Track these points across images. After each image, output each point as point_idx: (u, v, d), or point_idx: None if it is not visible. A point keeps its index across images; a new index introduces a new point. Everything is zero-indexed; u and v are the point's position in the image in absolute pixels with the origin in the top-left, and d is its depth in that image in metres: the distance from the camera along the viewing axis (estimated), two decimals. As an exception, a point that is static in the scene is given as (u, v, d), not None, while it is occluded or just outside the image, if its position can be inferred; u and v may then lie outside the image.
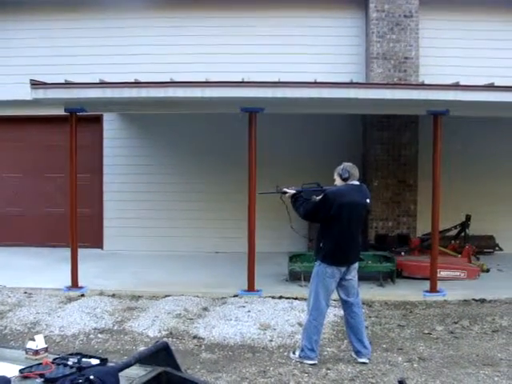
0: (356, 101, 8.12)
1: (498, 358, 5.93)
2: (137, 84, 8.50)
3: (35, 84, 8.09)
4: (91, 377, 2.22)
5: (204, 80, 8.84)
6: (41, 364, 2.58)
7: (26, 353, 2.76)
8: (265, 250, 9.90)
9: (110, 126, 11.72)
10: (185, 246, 11.32)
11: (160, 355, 2.69)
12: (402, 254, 9.90)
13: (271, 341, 6.44)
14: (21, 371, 2.50)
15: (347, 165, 5.78)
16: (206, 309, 7.56)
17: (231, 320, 7.02)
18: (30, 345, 2.77)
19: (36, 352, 2.74)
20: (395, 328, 6.92)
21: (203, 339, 6.52)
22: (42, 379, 2.44)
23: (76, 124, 8.51)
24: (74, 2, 11.50)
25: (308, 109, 8.71)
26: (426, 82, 9.65)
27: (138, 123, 11.68)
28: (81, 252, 8.74)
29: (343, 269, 5.68)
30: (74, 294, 8.28)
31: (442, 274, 8.85)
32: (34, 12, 11.56)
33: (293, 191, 5.93)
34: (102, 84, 8.53)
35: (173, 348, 2.86)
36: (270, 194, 6.23)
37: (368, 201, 5.79)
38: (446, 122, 8.41)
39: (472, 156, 11.26)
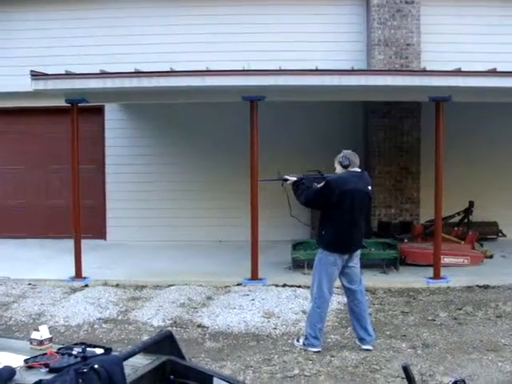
0: (357, 88, 8.11)
1: (501, 343, 5.94)
2: (137, 74, 8.49)
3: (36, 75, 8.06)
4: (96, 366, 2.23)
5: (204, 69, 8.82)
6: (45, 354, 2.60)
7: (31, 343, 2.77)
8: (268, 238, 9.90)
9: (112, 116, 11.69)
10: (188, 235, 11.32)
11: (164, 344, 2.70)
12: (405, 240, 9.89)
13: (275, 329, 6.46)
14: (25, 361, 2.51)
15: (347, 152, 5.77)
16: (209, 298, 7.58)
17: (235, 308, 7.04)
18: (35, 335, 2.78)
19: (40, 342, 2.75)
20: (399, 315, 6.93)
21: (207, 328, 6.53)
22: (47, 369, 2.45)
23: (77, 115, 8.49)
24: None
25: (309, 96, 8.69)
26: (428, 69, 9.61)
27: (139, 113, 11.65)
28: (84, 243, 8.77)
29: (345, 256, 5.67)
30: (77, 284, 8.30)
31: (446, 260, 8.84)
32: (35, 3, 11.50)
33: (294, 178, 5.92)
34: (103, 74, 8.52)
35: (177, 337, 2.87)
36: (272, 182, 6.24)
37: (370, 188, 5.78)
38: (448, 108, 8.38)
39: (475, 142, 11.21)
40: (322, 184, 5.68)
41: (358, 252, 5.83)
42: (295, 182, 5.90)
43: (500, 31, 10.95)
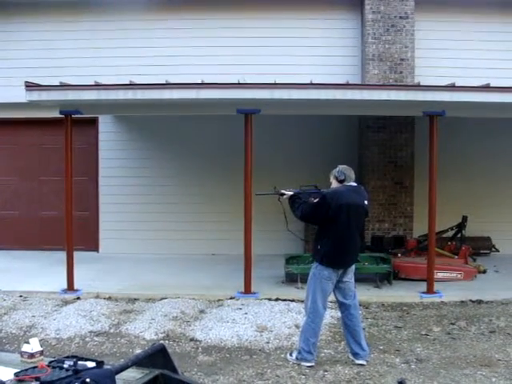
0: (352, 102, 8.12)
1: (495, 358, 5.92)
2: (132, 86, 8.48)
3: (30, 86, 8.05)
4: (87, 380, 2.20)
5: (199, 82, 8.83)
6: (36, 367, 2.56)
7: (22, 356, 2.74)
8: (261, 251, 9.88)
9: (106, 128, 11.68)
10: (181, 248, 11.29)
11: (157, 358, 2.68)
12: (399, 255, 9.89)
13: (268, 343, 6.42)
14: (16, 374, 2.47)
15: (342, 167, 5.77)
16: (202, 311, 7.54)
17: (228, 322, 7.00)
18: (25, 348, 2.75)
19: (31, 355, 2.72)
20: (392, 329, 6.91)
21: (200, 341, 6.49)
22: (38, 382, 2.42)
23: (71, 126, 8.47)
24: (69, 5, 11.46)
25: (304, 110, 8.71)
26: (422, 84, 9.65)
27: (133, 125, 11.65)
28: (77, 255, 8.71)
29: (340, 271, 5.66)
30: (69, 296, 8.23)
31: (439, 275, 8.84)
32: (29, 14, 11.51)
33: (291, 193, 5.93)
34: (97, 86, 8.51)
35: (169, 350, 2.84)
36: (268, 196, 6.23)
37: (366, 202, 5.77)
38: (442, 123, 8.41)
39: (468, 157, 11.28)
40: (318, 198, 5.68)
41: (353, 267, 5.82)
42: (291, 196, 5.90)
43: (494, 47, 11.05)
